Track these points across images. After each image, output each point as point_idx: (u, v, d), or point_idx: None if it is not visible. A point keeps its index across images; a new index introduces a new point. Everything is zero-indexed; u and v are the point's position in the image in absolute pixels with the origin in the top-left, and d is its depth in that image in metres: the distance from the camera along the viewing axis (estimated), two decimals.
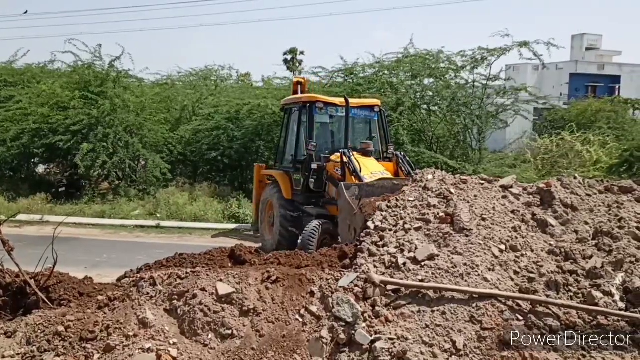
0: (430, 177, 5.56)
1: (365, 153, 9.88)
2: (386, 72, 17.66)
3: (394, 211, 5.24)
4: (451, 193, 5.28)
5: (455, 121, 16.88)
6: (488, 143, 18.12)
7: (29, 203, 14.45)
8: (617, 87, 40.56)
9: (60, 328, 4.32)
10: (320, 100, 10.25)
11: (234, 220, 13.88)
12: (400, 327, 4.27)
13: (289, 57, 52.27)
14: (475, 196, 5.27)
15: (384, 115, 10.80)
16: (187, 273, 4.64)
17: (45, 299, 4.92)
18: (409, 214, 5.17)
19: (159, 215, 14.47)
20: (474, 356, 4.08)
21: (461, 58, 16.48)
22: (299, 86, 11.69)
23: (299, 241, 8.75)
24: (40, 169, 19.04)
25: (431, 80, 17.16)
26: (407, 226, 5.04)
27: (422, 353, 4.09)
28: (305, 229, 8.87)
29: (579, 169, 16.60)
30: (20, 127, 16.22)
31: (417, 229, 5.01)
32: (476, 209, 5.11)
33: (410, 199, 5.34)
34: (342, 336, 4.22)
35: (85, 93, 16.47)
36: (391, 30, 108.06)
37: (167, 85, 21.37)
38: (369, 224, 5.15)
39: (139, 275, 4.81)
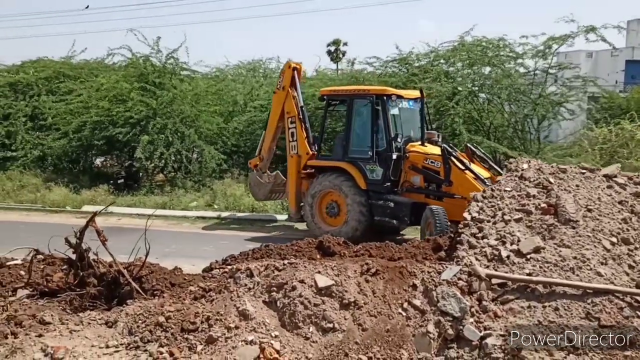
0: (525, 166, 5.32)
1: (430, 142, 10.55)
2: (442, 61, 17.30)
3: (490, 201, 5.03)
4: (550, 183, 5.04)
5: (514, 110, 16.41)
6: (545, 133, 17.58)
7: (92, 194, 14.74)
8: None
9: (161, 319, 4.29)
10: (394, 93, 10.69)
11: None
12: (511, 322, 4.08)
13: (332, 48, 52.02)
14: (577, 186, 5.01)
15: (425, 104, 11.23)
16: (284, 264, 4.56)
17: (138, 289, 4.92)
18: (507, 205, 4.95)
19: (216, 207, 14.55)
20: (593, 355, 3.86)
21: (523, 47, 15.99)
22: (295, 72, 11.65)
23: (438, 227, 8.77)
24: (98, 161, 19.41)
25: (490, 68, 16.70)
26: (506, 217, 4.83)
27: (536, 351, 3.90)
28: (435, 215, 8.96)
29: None
30: (81, 120, 16.55)
31: (518, 220, 4.80)
32: (580, 199, 4.86)
33: (506, 189, 5.12)
34: (450, 331, 4.06)
35: (144, 84, 16.66)
36: (435, 20, 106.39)
37: (218, 78, 21.48)
38: (466, 214, 4.95)
39: (234, 267, 4.74)
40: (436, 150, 10.23)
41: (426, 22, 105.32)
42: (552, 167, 5.33)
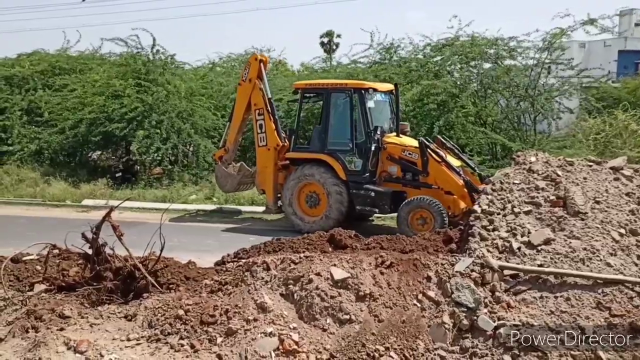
0: (533, 159, 5.42)
1: (403, 133, 11.20)
2: (438, 57, 17.38)
3: (499, 194, 5.13)
4: (559, 175, 5.14)
5: (512, 105, 16.56)
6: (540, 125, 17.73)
7: (91, 188, 14.72)
8: None
9: (180, 312, 4.36)
10: (371, 87, 11.01)
11: None
12: (524, 313, 4.19)
13: (325, 40, 51.94)
14: (585, 178, 5.12)
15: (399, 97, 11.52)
16: (300, 258, 4.64)
17: (154, 283, 4.98)
18: (516, 197, 5.05)
19: (215, 200, 14.59)
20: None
21: (520, 44, 16.14)
22: (261, 64, 11.75)
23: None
24: (95, 155, 19.38)
25: (488, 65, 16.84)
26: (516, 210, 4.93)
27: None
28: (433, 206, 9.66)
29: (634, 149, 16.09)
30: (77, 117, 16.52)
31: (527, 213, 4.90)
32: (588, 191, 4.96)
33: (515, 181, 5.22)
34: (465, 322, 4.16)
35: (138, 81, 16.67)
36: (424, 10, 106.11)
37: (208, 71, 21.33)
38: (476, 207, 5.05)
39: (251, 260, 4.81)
40: (412, 142, 10.78)
41: (414, 14, 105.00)
42: (559, 160, 5.43)
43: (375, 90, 10.98)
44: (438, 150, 10.25)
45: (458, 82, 16.25)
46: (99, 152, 19.31)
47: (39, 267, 5.18)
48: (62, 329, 4.20)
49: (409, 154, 10.40)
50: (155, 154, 15.95)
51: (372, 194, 10.48)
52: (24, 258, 5.24)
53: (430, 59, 17.18)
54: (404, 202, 10.04)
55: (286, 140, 11.52)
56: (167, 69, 17.73)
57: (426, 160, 10.14)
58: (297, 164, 11.21)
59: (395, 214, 10.40)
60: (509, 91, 16.11)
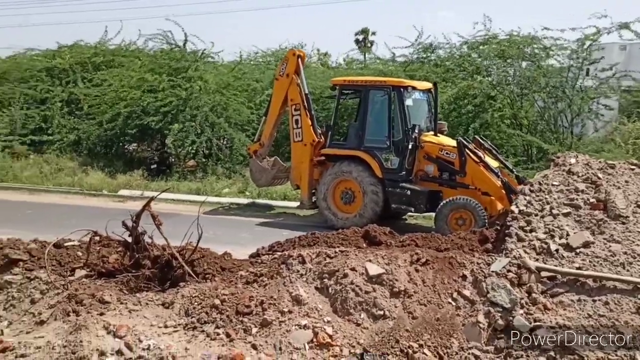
0: (573, 160, 5.34)
1: (441, 132, 11.24)
2: (475, 55, 17.21)
3: (538, 195, 5.07)
4: (599, 178, 5.06)
5: (549, 105, 16.29)
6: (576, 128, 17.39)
7: (127, 179, 15.05)
8: None
9: (216, 301, 4.43)
10: (410, 85, 11.04)
11: None
12: (560, 315, 4.14)
13: (360, 37, 51.74)
14: (627, 182, 5.03)
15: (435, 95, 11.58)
16: (335, 252, 4.66)
17: (191, 272, 5.06)
18: (555, 199, 4.99)
19: (248, 194, 14.73)
20: None
21: (556, 42, 15.87)
22: (299, 59, 11.75)
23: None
24: (131, 147, 19.78)
25: (524, 63, 16.60)
26: (554, 211, 4.87)
27: (587, 344, 3.96)
28: (477, 208, 9.62)
29: None
30: (114, 110, 16.90)
31: (566, 215, 4.83)
32: (629, 195, 4.87)
33: (554, 183, 5.15)
34: (500, 322, 4.13)
35: (172, 78, 17.00)
36: (454, 10, 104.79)
37: (239, 64, 21.51)
38: (513, 207, 5.00)
39: (286, 253, 4.86)
40: (450, 141, 10.79)
41: (445, 13, 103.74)
42: (600, 162, 5.34)
43: (413, 88, 10.99)
44: (476, 151, 10.18)
45: (495, 83, 16.09)
46: (135, 144, 19.70)
47: (80, 253, 5.32)
48: (102, 314, 4.32)
49: (447, 153, 10.41)
50: (190, 147, 16.21)
51: (408, 192, 10.48)
52: (66, 244, 5.39)
53: (467, 57, 16.99)
54: (446, 201, 9.99)
55: (321, 136, 11.53)
56: (199, 62, 17.99)
57: (464, 160, 10.11)
58: (333, 160, 11.23)
59: (429, 214, 10.36)
60: (546, 91, 15.86)
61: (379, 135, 10.96)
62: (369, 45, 49.99)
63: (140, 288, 4.95)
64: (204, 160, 17.32)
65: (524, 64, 16.58)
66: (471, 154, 10.09)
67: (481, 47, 16.96)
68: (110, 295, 4.62)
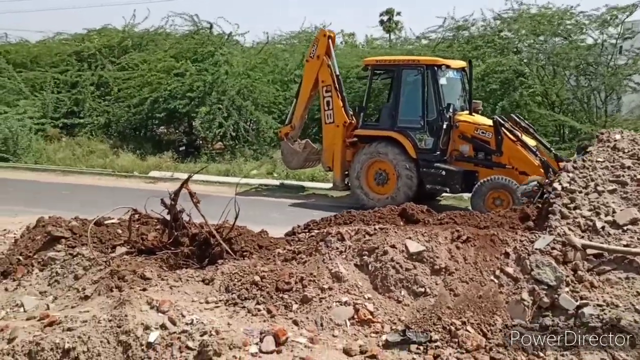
0: (618, 136, 5.19)
1: (475, 111, 10.93)
2: (506, 31, 16.83)
3: (581, 172, 4.94)
4: None
5: (582, 83, 15.90)
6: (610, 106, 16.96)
7: (157, 161, 15.21)
8: None
9: (256, 278, 4.44)
10: (444, 64, 10.76)
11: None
12: (608, 293, 4.05)
13: (385, 18, 51.12)
14: None
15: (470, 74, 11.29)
16: (375, 229, 4.63)
17: (228, 250, 5.09)
18: (599, 176, 4.86)
19: (276, 175, 14.76)
20: None
21: (589, 17, 15.43)
22: (329, 40, 11.57)
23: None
24: (160, 130, 19.96)
25: (556, 39, 16.17)
26: (599, 188, 4.75)
27: (636, 322, 3.86)
28: (511, 185, 9.40)
29: None
30: (142, 94, 17.04)
31: (612, 192, 4.71)
32: None
33: (599, 159, 5.02)
34: (545, 300, 4.06)
35: (199, 64, 17.05)
36: None
37: (268, 47, 21.43)
38: (556, 185, 4.89)
39: (325, 231, 4.85)
40: (485, 120, 10.57)
41: None
42: None
43: (447, 67, 10.75)
44: (513, 129, 9.94)
45: (525, 60, 15.73)
46: (163, 127, 19.86)
47: (119, 231, 5.39)
48: (144, 289, 4.36)
49: (482, 132, 10.19)
50: (218, 130, 16.28)
51: (443, 172, 10.35)
52: (106, 222, 5.46)
53: (498, 33, 16.62)
54: (486, 179, 9.80)
55: (353, 118, 11.45)
56: (226, 45, 17.99)
57: (500, 139, 9.91)
58: (366, 141, 11.13)
59: (461, 195, 10.21)
60: (579, 69, 15.46)
61: (413, 115, 10.78)
62: (394, 25, 49.49)
63: (179, 265, 5.00)
64: (231, 142, 17.38)
65: (556, 39, 16.17)
66: (508, 133, 9.88)
67: (513, 23, 16.55)
68: (151, 271, 4.67)
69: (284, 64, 19.43)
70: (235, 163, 15.61)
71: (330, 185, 12.62)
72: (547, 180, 8.34)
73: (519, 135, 9.88)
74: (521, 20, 16.35)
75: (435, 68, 10.57)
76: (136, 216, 5.39)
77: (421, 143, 10.59)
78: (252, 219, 9.49)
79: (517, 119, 10.39)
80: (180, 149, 18.12)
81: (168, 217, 5.22)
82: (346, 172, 11.42)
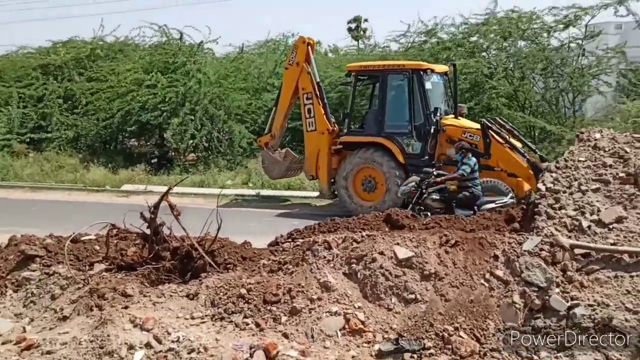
0: (598, 135, 5.22)
1: (460, 115, 11.01)
2: (474, 34, 17.03)
3: (564, 172, 4.96)
4: (627, 152, 4.95)
5: (550, 85, 16.17)
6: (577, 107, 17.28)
7: (130, 174, 14.89)
8: None
9: (243, 291, 4.32)
10: (429, 68, 10.71)
11: None
12: (598, 292, 4.05)
13: (353, 25, 51.41)
14: None
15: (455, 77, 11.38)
16: (362, 237, 4.55)
17: (212, 263, 4.95)
18: (582, 175, 4.88)
19: (251, 185, 14.61)
20: None
21: (553, 17, 15.72)
22: (309, 47, 11.45)
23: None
24: (131, 142, 19.57)
25: (524, 42, 16.43)
26: (583, 187, 4.77)
27: (627, 320, 3.86)
28: (505, 190, 9.31)
29: None
30: (113, 106, 16.70)
31: (596, 190, 4.73)
32: None
33: (580, 159, 5.04)
34: (537, 301, 4.04)
35: (170, 75, 16.80)
36: None
37: (239, 57, 21.27)
38: (540, 185, 4.89)
39: (311, 239, 4.75)
40: (472, 123, 10.60)
41: None
42: (625, 136, 5.23)
43: (432, 71, 10.76)
44: (501, 132, 9.97)
45: (493, 62, 15.93)
46: (135, 140, 19.50)
47: (97, 247, 5.20)
48: (126, 307, 4.21)
49: (470, 135, 10.19)
50: (190, 141, 16.03)
51: (426, 177, 10.20)
52: (83, 238, 5.26)
53: (468, 38, 16.82)
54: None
55: (335, 125, 11.35)
56: (197, 55, 17.76)
57: (489, 142, 9.90)
58: (351, 148, 11.03)
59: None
60: (547, 71, 15.72)
61: (400, 120, 10.73)
62: (362, 33, 49.80)
63: (161, 280, 4.84)
64: (204, 153, 17.15)
65: (522, 43, 16.43)
66: (496, 136, 9.90)
67: (481, 26, 16.75)
68: (132, 288, 4.51)
69: (257, 72, 19.30)
70: (209, 174, 15.39)
71: (308, 193, 12.52)
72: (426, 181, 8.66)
73: (507, 137, 9.92)
74: (489, 24, 16.57)
75: (421, 72, 10.54)
76: (114, 231, 5.20)
77: (409, 148, 10.55)
78: (231, 229, 9.35)
79: (502, 122, 10.42)
80: (153, 161, 17.78)
81: (148, 231, 5.05)
82: (332, 180, 11.30)
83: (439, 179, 8.93)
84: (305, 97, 11.47)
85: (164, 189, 12.54)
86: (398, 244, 4.45)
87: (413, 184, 8.91)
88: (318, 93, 11.34)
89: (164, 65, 17.34)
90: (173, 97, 16.16)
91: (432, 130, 10.37)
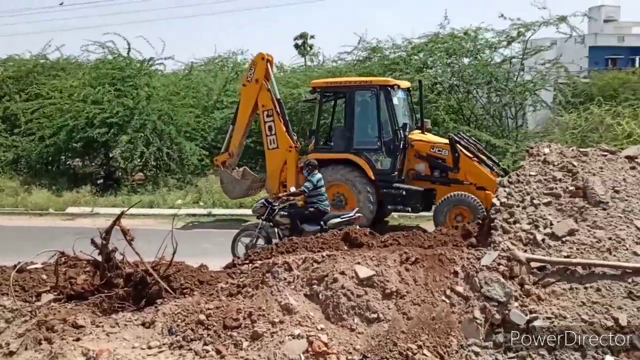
0: (547, 150, 5.37)
1: (427, 130, 11.22)
2: (419, 53, 17.43)
3: (517, 186, 5.06)
4: (574, 166, 5.10)
5: (493, 99, 16.69)
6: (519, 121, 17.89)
7: (74, 196, 14.35)
8: (638, 58, 39.93)
9: (201, 317, 4.20)
10: (396, 84, 10.80)
11: None
12: (555, 305, 4.13)
13: (299, 42, 51.74)
14: (601, 168, 5.09)
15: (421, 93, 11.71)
16: (323, 257, 4.50)
17: (167, 288, 4.78)
18: (534, 189, 4.99)
19: (202, 204, 14.36)
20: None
21: (493, 33, 16.31)
22: (267, 64, 11.39)
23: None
24: (75, 162, 18.91)
25: (468, 59, 16.93)
26: (535, 201, 4.87)
27: (584, 331, 3.95)
28: (475, 204, 9.54)
29: (610, 143, 16.27)
30: (57, 123, 16.06)
31: (547, 204, 4.85)
32: (606, 181, 4.93)
33: (531, 173, 5.16)
34: (497, 316, 4.08)
35: (117, 87, 16.34)
36: (391, 10, 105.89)
37: (189, 74, 20.98)
38: (495, 200, 4.98)
39: (271, 261, 4.66)
40: (439, 138, 10.80)
41: (382, 13, 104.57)
42: (572, 150, 5.40)
43: (398, 87, 10.81)
44: (469, 146, 10.14)
45: (440, 78, 16.34)
46: (79, 160, 18.86)
47: (44, 277, 4.95)
48: (77, 339, 4.02)
49: (439, 150, 10.31)
50: (139, 159, 15.60)
51: (404, 192, 10.34)
52: (28, 267, 5.00)
53: (414, 56, 17.20)
54: (445, 197, 9.85)
55: (297, 142, 11.28)
56: (144, 71, 17.40)
57: (457, 156, 10.03)
58: (319, 165, 10.96)
59: (422, 213, 10.31)
60: (490, 86, 16.23)
61: (369, 136, 10.76)
62: (308, 49, 50.17)
63: (114, 309, 4.63)
64: (153, 172, 16.75)
65: (466, 60, 16.91)
66: (464, 150, 10.04)
67: (427, 45, 17.17)
68: (84, 318, 4.31)
69: (206, 89, 19.07)
70: (159, 193, 15.03)
71: None
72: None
73: (475, 151, 10.09)
74: (435, 42, 17.00)
75: (389, 88, 10.58)
76: (63, 259, 4.97)
77: (378, 164, 10.55)
78: (185, 251, 9.13)
79: (465, 137, 10.65)
80: (99, 182, 17.26)
81: (99, 258, 4.85)
82: None
83: (281, 195, 9.00)
84: (266, 114, 11.32)
85: (111, 210, 12.29)
86: (359, 263, 4.43)
87: (263, 200, 8.91)
88: (279, 110, 11.22)
89: (111, 79, 16.84)
90: (121, 112, 15.69)
91: (401, 146, 10.43)
